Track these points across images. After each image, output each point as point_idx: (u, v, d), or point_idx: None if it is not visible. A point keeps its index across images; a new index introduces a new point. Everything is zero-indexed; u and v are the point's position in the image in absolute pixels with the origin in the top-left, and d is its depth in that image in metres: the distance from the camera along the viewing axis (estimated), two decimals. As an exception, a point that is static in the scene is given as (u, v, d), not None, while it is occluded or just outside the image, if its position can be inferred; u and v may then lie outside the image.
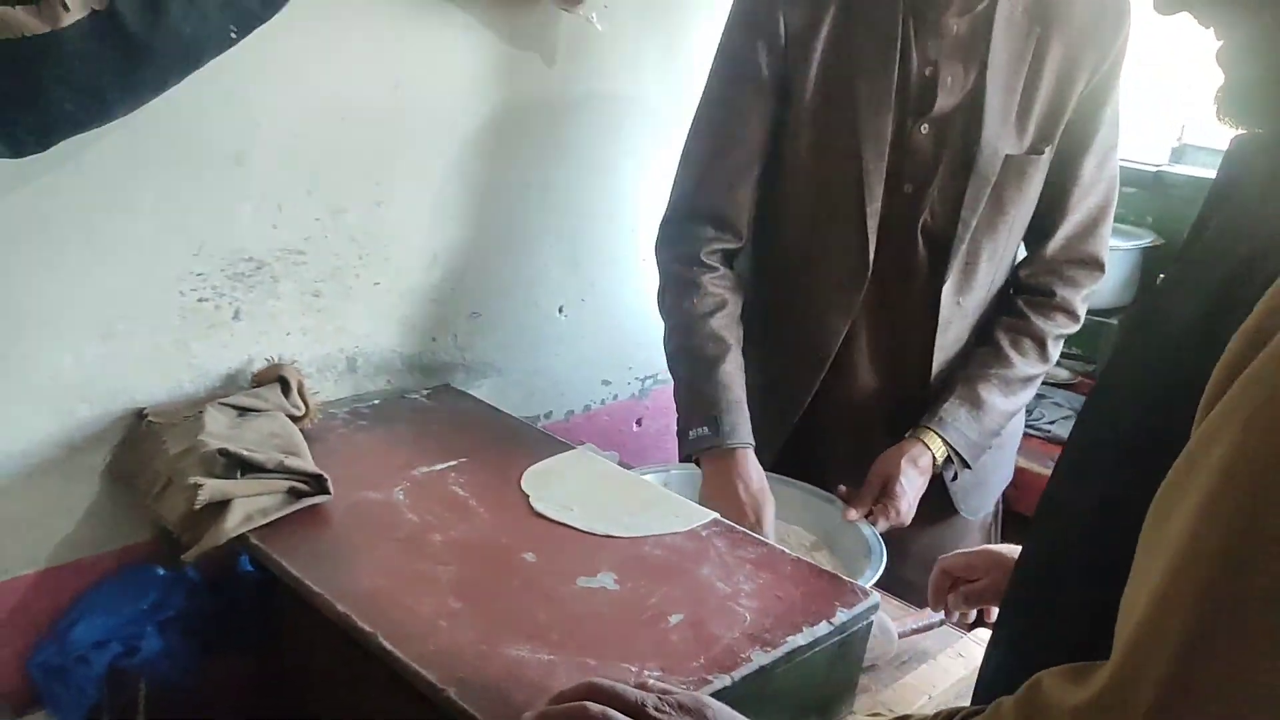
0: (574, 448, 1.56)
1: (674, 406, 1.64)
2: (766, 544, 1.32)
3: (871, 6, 1.48)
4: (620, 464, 1.78)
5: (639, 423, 2.26)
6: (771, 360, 1.67)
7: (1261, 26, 0.65)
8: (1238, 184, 0.72)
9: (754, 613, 1.15)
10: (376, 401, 1.69)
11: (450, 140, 1.72)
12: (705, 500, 1.50)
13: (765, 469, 1.56)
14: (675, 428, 1.64)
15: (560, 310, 2.01)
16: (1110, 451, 0.74)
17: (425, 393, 1.75)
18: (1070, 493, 0.78)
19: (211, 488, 1.26)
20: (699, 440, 1.54)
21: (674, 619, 1.13)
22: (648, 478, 1.57)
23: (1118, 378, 0.78)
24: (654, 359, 2.20)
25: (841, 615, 1.16)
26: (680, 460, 1.66)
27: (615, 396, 2.19)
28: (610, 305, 2.09)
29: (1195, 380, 0.61)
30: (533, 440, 1.58)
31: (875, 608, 1.20)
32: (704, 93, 1.60)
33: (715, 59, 1.58)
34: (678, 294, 1.60)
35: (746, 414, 1.55)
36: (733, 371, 1.56)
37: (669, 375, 1.66)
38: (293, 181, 1.54)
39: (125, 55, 1.19)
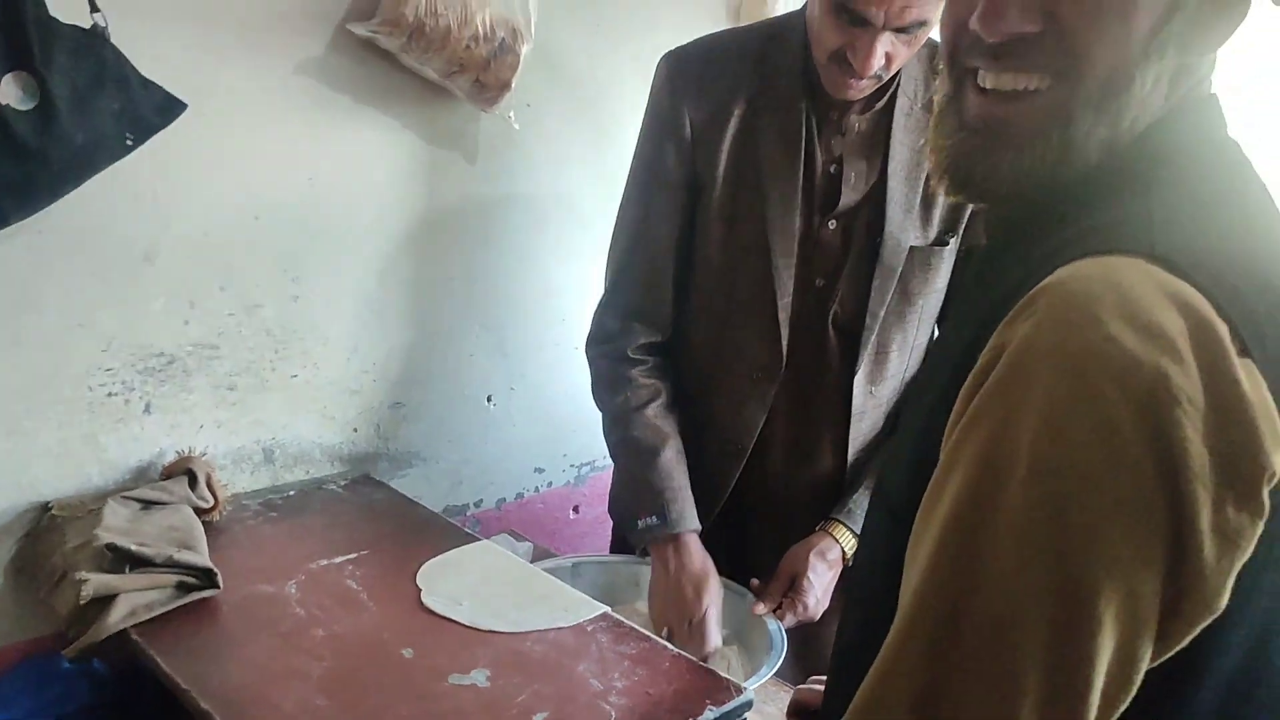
0: (479, 540, 1.57)
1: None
2: (650, 638, 1.33)
3: (776, 106, 1.52)
4: (546, 554, 1.79)
5: (576, 510, 2.27)
6: (691, 452, 1.69)
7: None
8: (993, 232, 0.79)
9: (621, 710, 1.16)
10: (291, 493, 1.71)
11: (370, 234, 1.76)
12: (653, 584, 1.54)
13: None
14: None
15: (489, 399, 2.03)
16: (884, 505, 0.78)
17: (342, 484, 1.76)
18: (862, 549, 0.82)
19: (96, 582, 1.27)
20: (648, 530, 1.56)
21: (538, 717, 1.13)
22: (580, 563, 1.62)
23: (903, 418, 0.82)
24: (590, 445, 2.22)
25: (710, 713, 1.16)
26: (635, 551, 1.68)
27: (550, 484, 2.21)
28: (542, 393, 2.12)
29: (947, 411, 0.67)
30: (439, 532, 1.60)
31: (749, 705, 1.20)
32: (624, 192, 1.64)
33: (632, 160, 1.63)
34: (610, 389, 1.63)
35: (691, 500, 1.58)
36: (674, 459, 1.59)
37: (606, 462, 1.69)
38: (205, 278, 1.58)
39: (18, 164, 1.23)
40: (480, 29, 1.65)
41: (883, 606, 0.71)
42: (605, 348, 1.65)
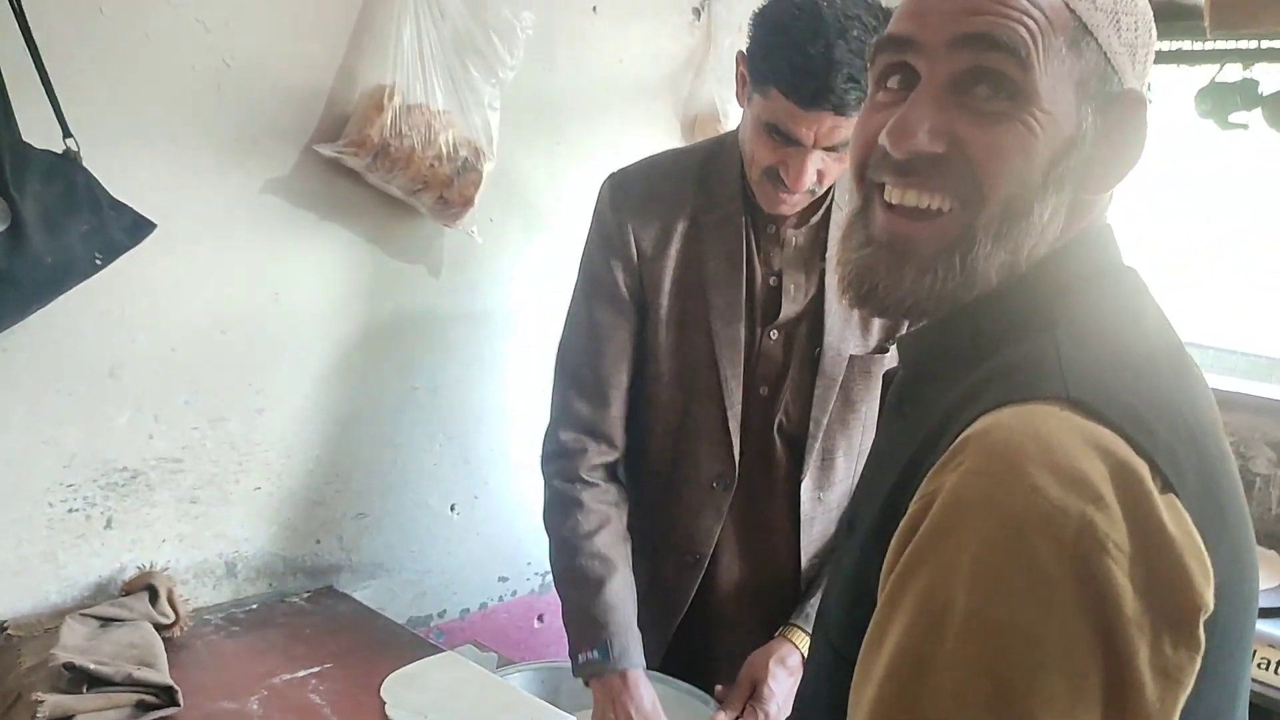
0: (444, 652, 1.56)
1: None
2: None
3: (717, 222, 1.56)
4: (506, 664, 1.78)
5: (540, 619, 2.26)
6: (651, 564, 1.69)
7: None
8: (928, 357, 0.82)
9: (587, 822, 1.15)
10: (254, 606, 1.70)
11: (334, 347, 1.79)
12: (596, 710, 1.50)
13: (653, 667, 1.57)
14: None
15: (452, 509, 2.04)
16: (824, 635, 0.80)
17: (305, 595, 1.76)
18: (806, 682, 0.84)
19: (52, 704, 1.26)
20: (588, 665, 1.51)
21: (503, 831, 1.13)
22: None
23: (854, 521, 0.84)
24: (554, 554, 2.22)
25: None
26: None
27: (514, 593, 2.20)
28: (505, 502, 2.13)
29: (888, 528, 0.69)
30: (403, 644, 1.59)
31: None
32: (569, 309, 1.65)
33: (578, 275, 1.65)
34: (561, 513, 1.59)
35: (637, 634, 1.54)
36: (620, 591, 1.55)
37: None
38: (170, 392, 1.59)
39: (-14, 283, 1.25)
40: (444, 148, 1.71)
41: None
42: (558, 465, 1.62)
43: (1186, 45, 2.43)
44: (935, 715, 0.60)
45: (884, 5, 1.33)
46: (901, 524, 0.66)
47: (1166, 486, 0.62)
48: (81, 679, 1.31)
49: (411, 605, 1.99)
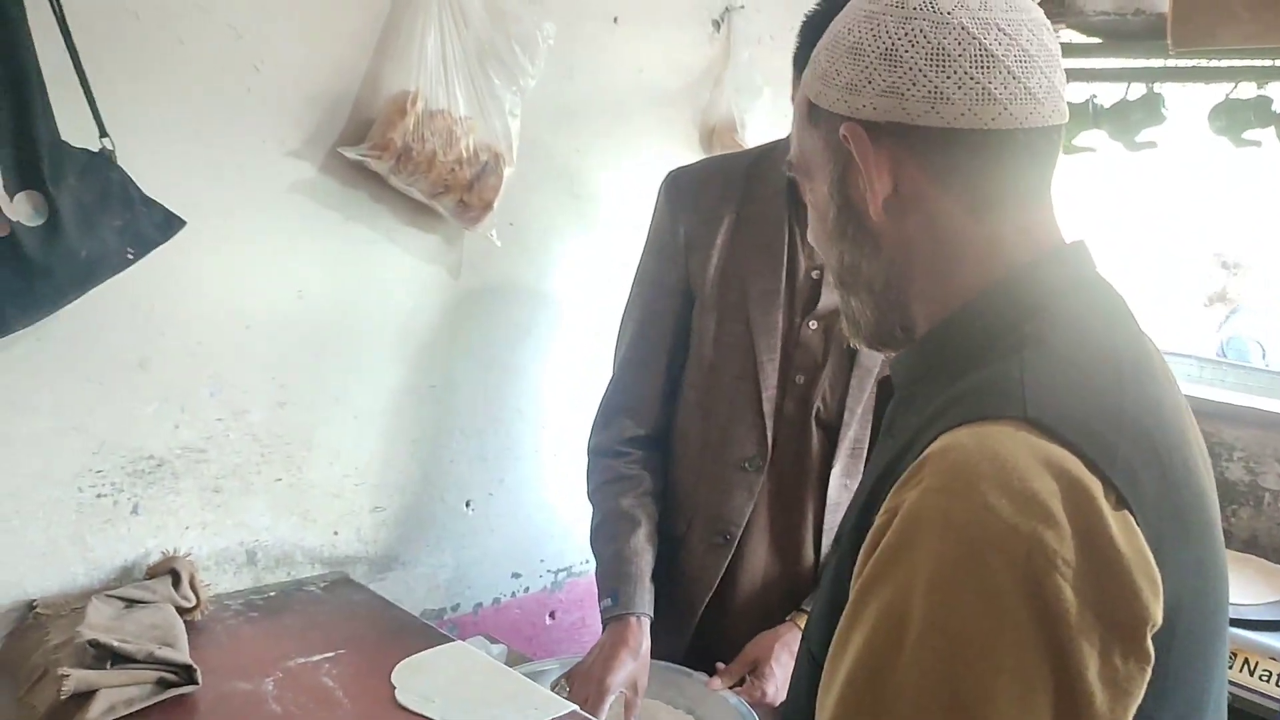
0: (454, 641, 1.61)
1: (587, 599, 1.72)
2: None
3: (760, 218, 1.65)
4: (520, 658, 1.82)
5: (552, 615, 2.30)
6: (682, 543, 1.75)
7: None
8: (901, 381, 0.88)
9: (585, 803, 1.19)
10: (272, 593, 1.75)
11: (355, 344, 1.85)
12: (590, 652, 1.60)
13: (677, 658, 1.66)
14: (589, 620, 1.71)
15: (468, 504, 2.09)
16: (807, 643, 0.83)
17: (322, 585, 1.81)
18: (790, 687, 0.87)
19: (77, 678, 1.31)
20: (605, 610, 1.63)
21: (503, 809, 1.17)
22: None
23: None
24: (566, 552, 2.27)
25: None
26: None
27: (526, 589, 2.24)
28: (520, 499, 2.17)
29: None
30: (415, 633, 1.64)
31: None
32: (627, 299, 1.77)
33: (636, 268, 1.76)
34: (597, 479, 1.74)
35: (648, 585, 1.64)
36: (641, 544, 1.66)
37: (583, 567, 1.75)
38: (195, 385, 1.65)
39: (24, 276, 1.31)
40: (464, 153, 1.77)
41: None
42: (598, 438, 1.76)
43: (1203, 63, 2.45)
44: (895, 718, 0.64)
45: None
46: (868, 537, 0.71)
47: (1121, 503, 0.65)
48: (105, 656, 1.36)
49: (426, 598, 2.04)
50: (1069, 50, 2.56)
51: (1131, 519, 0.65)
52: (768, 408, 1.64)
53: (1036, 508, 0.63)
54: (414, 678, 1.47)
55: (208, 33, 1.58)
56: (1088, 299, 0.79)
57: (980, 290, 0.78)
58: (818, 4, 1.45)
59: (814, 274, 1.64)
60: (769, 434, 1.65)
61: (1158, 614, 0.64)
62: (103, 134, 1.42)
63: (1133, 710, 0.64)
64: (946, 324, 0.80)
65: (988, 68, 0.74)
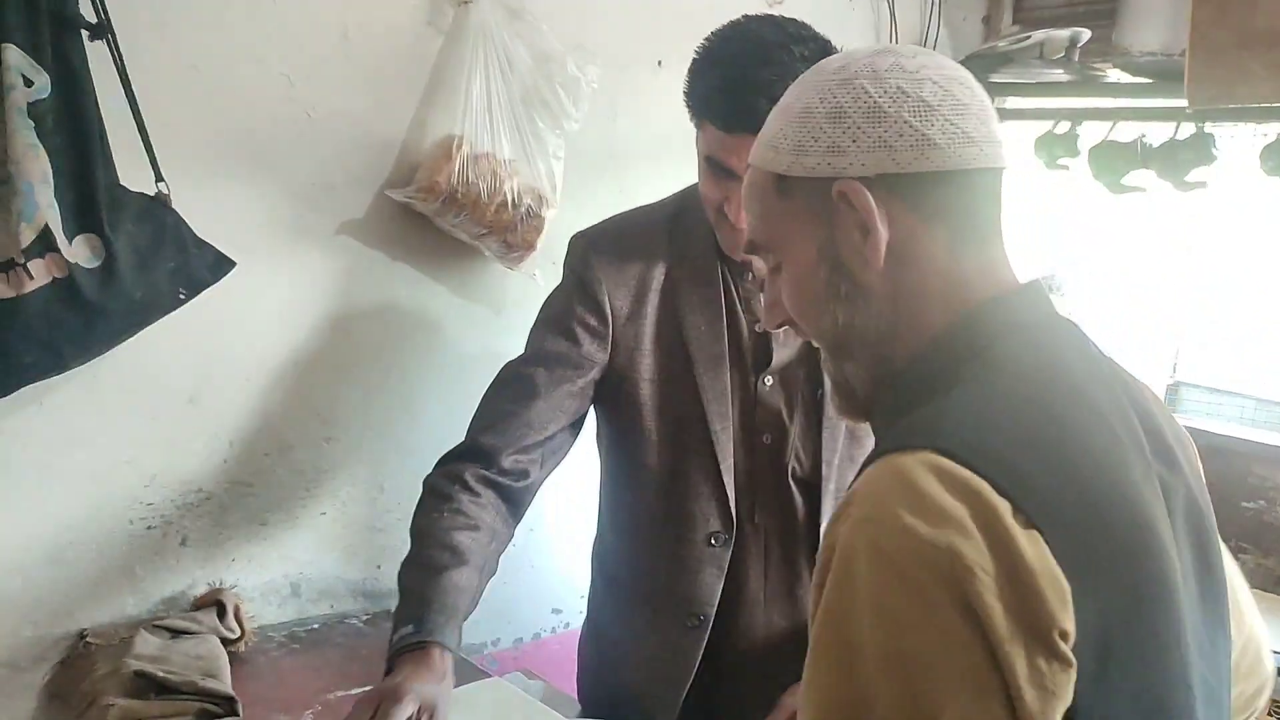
0: (490, 677, 1.62)
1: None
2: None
3: (693, 274, 1.54)
4: (558, 695, 1.82)
5: (592, 652, 2.31)
6: (652, 628, 1.64)
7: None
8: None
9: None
10: (315, 626, 1.78)
11: (400, 382, 1.88)
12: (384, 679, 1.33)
13: None
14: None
15: (509, 540, 2.10)
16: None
17: (364, 618, 1.83)
18: None
19: (122, 708, 1.35)
20: (400, 640, 1.37)
21: None
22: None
23: None
24: (607, 588, 2.28)
25: None
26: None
27: (567, 625, 2.26)
28: (559, 536, 2.19)
29: None
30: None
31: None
32: (525, 347, 1.60)
33: (537, 315, 1.59)
34: (425, 506, 1.51)
35: (459, 621, 1.44)
36: (460, 583, 1.43)
37: None
38: (244, 420, 1.69)
39: (81, 316, 1.37)
40: (509, 195, 1.80)
41: None
42: (445, 467, 1.56)
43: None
44: None
45: (821, 36, 1.34)
46: (814, 574, 0.75)
47: (1029, 523, 0.69)
48: (151, 686, 1.40)
49: (466, 632, 2.03)
50: (1118, 90, 2.55)
51: (1040, 537, 0.68)
52: (727, 478, 1.53)
53: (950, 521, 0.67)
54: (451, 713, 1.48)
55: (263, 82, 1.63)
56: (1030, 338, 0.82)
57: (944, 326, 0.83)
58: (705, 41, 1.39)
59: (757, 327, 1.53)
60: (731, 506, 1.54)
61: (1066, 623, 0.67)
62: (159, 179, 1.47)
63: (1059, 710, 0.67)
64: (911, 363, 0.84)
65: (962, 115, 0.81)
